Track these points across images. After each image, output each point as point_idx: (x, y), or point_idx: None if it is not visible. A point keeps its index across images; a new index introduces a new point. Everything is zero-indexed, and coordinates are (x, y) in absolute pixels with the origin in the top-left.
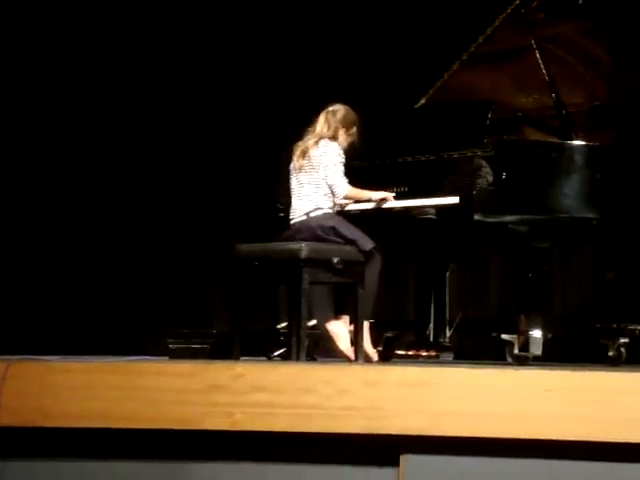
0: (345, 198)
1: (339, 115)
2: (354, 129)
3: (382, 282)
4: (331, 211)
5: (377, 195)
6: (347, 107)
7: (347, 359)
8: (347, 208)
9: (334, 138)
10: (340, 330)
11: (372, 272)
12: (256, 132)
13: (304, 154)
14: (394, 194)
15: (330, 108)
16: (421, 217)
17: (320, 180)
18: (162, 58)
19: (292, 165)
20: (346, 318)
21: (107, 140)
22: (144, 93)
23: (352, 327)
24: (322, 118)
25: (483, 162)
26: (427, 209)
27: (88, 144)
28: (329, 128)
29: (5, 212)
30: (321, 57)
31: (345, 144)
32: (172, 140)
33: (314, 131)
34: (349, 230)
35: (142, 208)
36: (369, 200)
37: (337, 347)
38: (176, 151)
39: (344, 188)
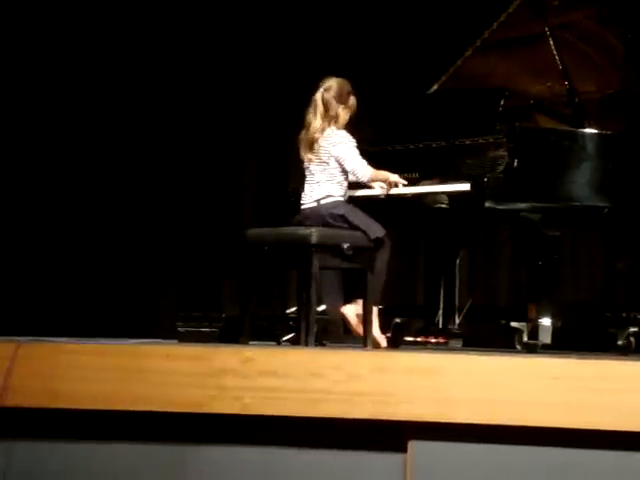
0: (370, 180)
1: (333, 92)
2: (352, 99)
3: (391, 268)
4: (342, 199)
5: (393, 177)
6: (338, 79)
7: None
8: (356, 194)
9: (336, 117)
10: (356, 313)
11: (381, 259)
12: (267, 116)
13: (311, 146)
14: (405, 182)
15: (323, 87)
16: (432, 204)
17: (333, 170)
18: (173, 45)
19: (301, 156)
20: (360, 302)
21: (119, 125)
22: (154, 80)
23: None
24: (319, 100)
25: (492, 149)
26: (438, 196)
27: (100, 131)
28: (328, 109)
29: (15, 194)
30: (334, 42)
31: (347, 117)
32: (183, 125)
33: (315, 117)
34: (359, 219)
35: (153, 192)
36: (386, 179)
37: (353, 329)
38: (187, 135)
39: (367, 170)
